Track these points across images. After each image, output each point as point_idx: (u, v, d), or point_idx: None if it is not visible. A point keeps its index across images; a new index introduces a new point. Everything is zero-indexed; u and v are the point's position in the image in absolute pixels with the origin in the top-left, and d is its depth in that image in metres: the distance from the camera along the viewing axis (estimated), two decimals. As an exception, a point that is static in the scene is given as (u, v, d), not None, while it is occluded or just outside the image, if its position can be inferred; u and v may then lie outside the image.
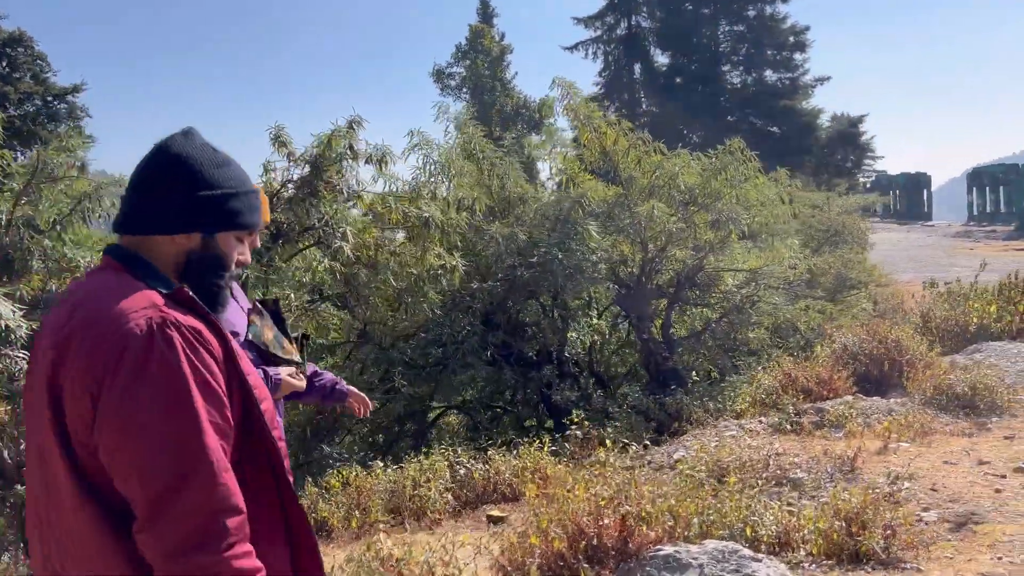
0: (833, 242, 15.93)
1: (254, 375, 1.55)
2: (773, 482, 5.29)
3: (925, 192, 57.70)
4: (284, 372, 2.46)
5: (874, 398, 7.29)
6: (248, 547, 1.38)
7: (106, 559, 1.38)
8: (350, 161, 6.66)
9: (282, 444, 1.56)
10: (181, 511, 1.31)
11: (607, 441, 5.97)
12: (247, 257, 1.65)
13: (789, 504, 4.83)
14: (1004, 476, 5.12)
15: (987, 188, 48.79)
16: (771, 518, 4.16)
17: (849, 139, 22.38)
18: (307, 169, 6.36)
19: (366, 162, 6.82)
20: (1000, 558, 3.89)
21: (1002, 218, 45.44)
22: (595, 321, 10.71)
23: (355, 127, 6.75)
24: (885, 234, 45.45)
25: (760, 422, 6.98)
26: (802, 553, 4.01)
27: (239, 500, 1.38)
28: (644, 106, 25.84)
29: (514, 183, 10.31)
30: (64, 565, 1.44)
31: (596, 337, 10.50)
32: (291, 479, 1.56)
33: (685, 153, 9.84)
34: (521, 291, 8.60)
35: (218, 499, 1.34)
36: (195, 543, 1.31)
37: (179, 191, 1.49)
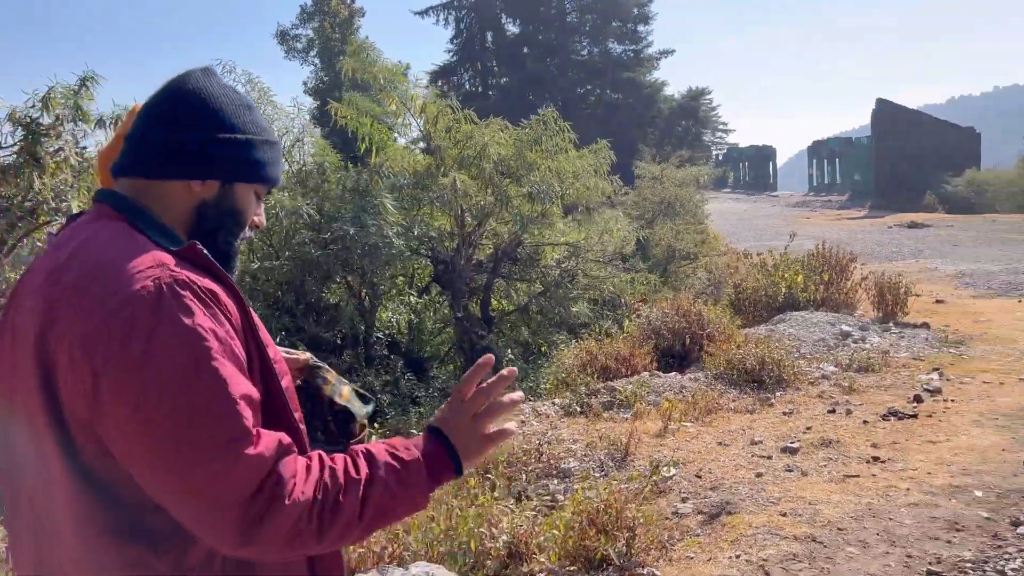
0: (667, 214, 16.15)
1: (273, 348, 1.31)
2: (541, 475, 4.93)
3: (771, 164, 60.82)
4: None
5: (672, 374, 7.14)
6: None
7: (108, 563, 1.16)
8: (78, 124, 5.72)
9: (302, 426, 1.30)
10: (224, 493, 1.09)
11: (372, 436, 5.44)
12: (262, 219, 1.44)
13: (546, 499, 4.48)
14: (770, 457, 4.98)
15: (825, 161, 51.92)
16: (506, 525, 3.74)
17: (690, 112, 22.82)
18: (20, 132, 5.40)
19: (98, 126, 5.88)
20: (739, 556, 3.65)
21: (838, 188, 48.49)
22: (413, 300, 10.16)
23: (89, 84, 5.80)
24: (733, 204, 47.58)
25: (554, 404, 6.66)
26: (536, 565, 3.63)
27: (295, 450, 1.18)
28: (497, 77, 25.39)
29: (320, 152, 9.52)
30: (63, 568, 1.20)
31: (413, 317, 9.97)
32: None
33: (497, 122, 9.39)
34: (317, 270, 7.90)
35: (278, 463, 1.13)
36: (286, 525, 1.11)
37: (199, 130, 1.28)
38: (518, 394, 1.34)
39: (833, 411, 5.88)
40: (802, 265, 10.57)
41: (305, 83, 31.13)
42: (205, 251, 1.22)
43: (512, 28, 25.85)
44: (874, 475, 4.54)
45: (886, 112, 39.62)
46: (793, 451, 5.03)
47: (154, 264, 1.15)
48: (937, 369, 6.85)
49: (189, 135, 1.28)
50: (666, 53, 26.56)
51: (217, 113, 1.30)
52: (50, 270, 1.21)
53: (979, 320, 9.45)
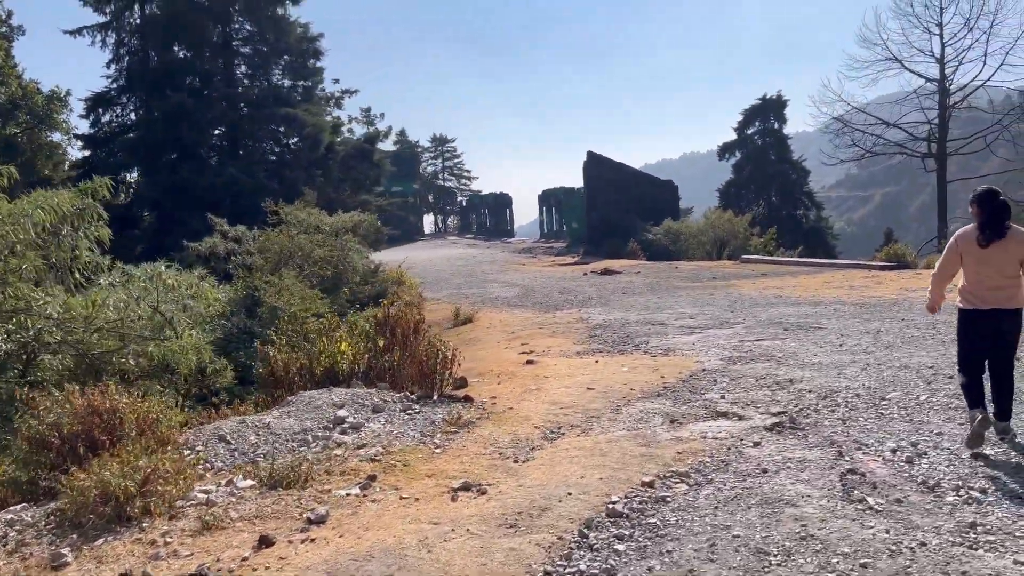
0: (291, 264, 14.44)
1: None
2: None
3: (508, 211, 62.30)
4: None
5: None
6: None
7: None
8: None
9: None
10: None
11: None
12: None
13: None
14: None
15: (554, 208, 53.83)
16: None
17: (366, 155, 21.61)
18: None
19: None
20: None
21: (563, 235, 50.21)
22: None
23: None
24: (463, 250, 47.55)
25: None
26: None
27: None
28: (148, 107, 22.40)
29: None
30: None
31: None
32: None
33: None
34: None
35: None
36: None
37: None
38: None
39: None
40: (363, 332, 9.09)
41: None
42: None
43: (178, 52, 23.03)
44: None
45: (594, 163, 41.48)
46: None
47: None
48: (373, 477, 5.40)
49: None
50: (349, 92, 25.22)
51: None
52: None
53: (532, 389, 8.44)
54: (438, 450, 6.09)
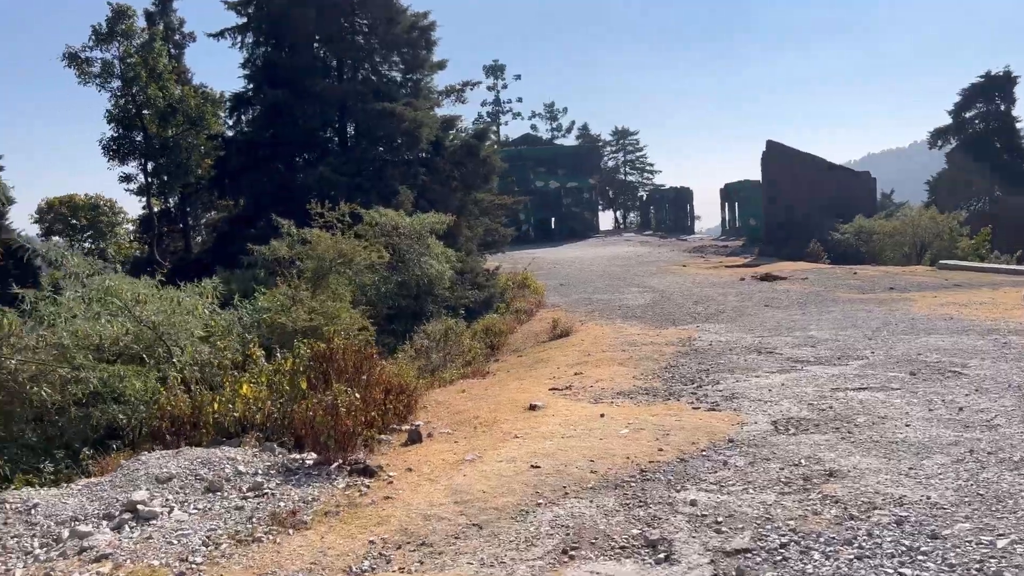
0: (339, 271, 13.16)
1: None
2: None
3: (688, 206, 58.40)
4: None
5: None
6: None
7: None
8: None
9: None
10: None
11: None
12: None
13: None
14: None
15: (736, 204, 49.43)
16: None
17: (473, 152, 19.93)
18: None
19: None
20: None
21: (743, 232, 45.90)
22: None
23: None
24: (629, 248, 44.84)
25: None
26: None
27: None
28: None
29: None
30: None
31: None
32: None
33: None
34: None
35: None
36: None
37: None
38: None
39: None
40: (288, 370, 7.48)
41: (109, 111, 27.96)
42: None
43: (285, 50, 22.74)
44: None
45: (775, 153, 37.09)
46: None
47: None
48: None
49: None
50: (470, 85, 23.61)
51: None
52: None
53: (472, 458, 6.34)
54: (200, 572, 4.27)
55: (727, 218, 50.85)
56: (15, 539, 4.67)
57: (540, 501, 5.22)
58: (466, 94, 23.07)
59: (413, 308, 16.74)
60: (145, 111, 27.73)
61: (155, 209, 30.61)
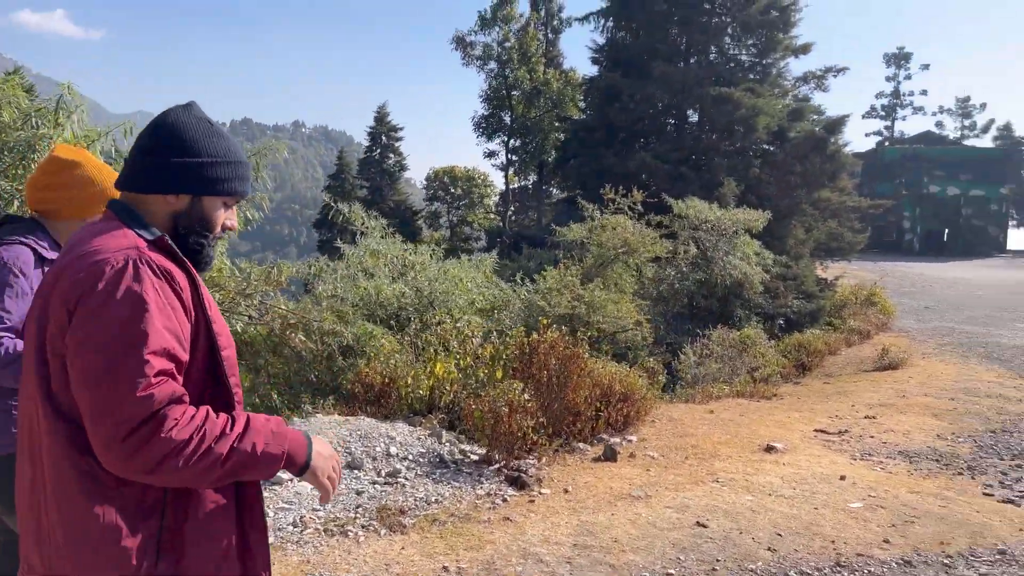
0: (623, 261, 12.19)
1: (220, 323, 1.67)
2: None
3: None
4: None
5: None
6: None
7: (66, 469, 1.49)
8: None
9: (238, 391, 1.68)
10: (119, 414, 1.41)
11: None
12: (234, 222, 1.80)
13: None
14: None
15: None
16: None
17: (819, 146, 16.95)
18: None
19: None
20: None
21: None
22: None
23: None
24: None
25: None
26: None
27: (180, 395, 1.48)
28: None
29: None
30: (46, 487, 1.52)
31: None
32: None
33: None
34: None
35: (153, 402, 1.42)
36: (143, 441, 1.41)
37: (172, 155, 1.65)
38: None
39: None
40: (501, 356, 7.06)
41: (484, 91, 30.49)
42: (170, 242, 1.62)
43: (639, 33, 21.95)
44: None
45: None
46: None
47: (129, 245, 1.55)
48: None
49: (166, 160, 1.65)
50: (834, 71, 20.21)
51: (189, 142, 1.66)
52: (61, 258, 1.61)
53: (644, 496, 5.30)
54: None
55: None
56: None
57: (671, 572, 4.11)
58: (828, 81, 20.38)
59: (718, 310, 15.43)
60: (514, 92, 29.77)
61: (514, 186, 32.89)
